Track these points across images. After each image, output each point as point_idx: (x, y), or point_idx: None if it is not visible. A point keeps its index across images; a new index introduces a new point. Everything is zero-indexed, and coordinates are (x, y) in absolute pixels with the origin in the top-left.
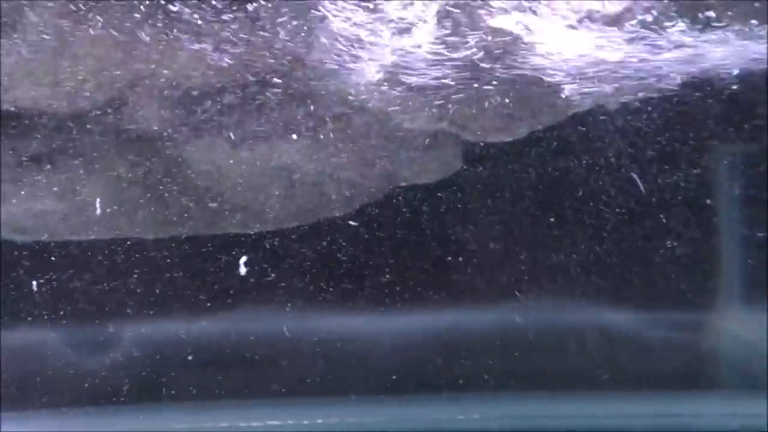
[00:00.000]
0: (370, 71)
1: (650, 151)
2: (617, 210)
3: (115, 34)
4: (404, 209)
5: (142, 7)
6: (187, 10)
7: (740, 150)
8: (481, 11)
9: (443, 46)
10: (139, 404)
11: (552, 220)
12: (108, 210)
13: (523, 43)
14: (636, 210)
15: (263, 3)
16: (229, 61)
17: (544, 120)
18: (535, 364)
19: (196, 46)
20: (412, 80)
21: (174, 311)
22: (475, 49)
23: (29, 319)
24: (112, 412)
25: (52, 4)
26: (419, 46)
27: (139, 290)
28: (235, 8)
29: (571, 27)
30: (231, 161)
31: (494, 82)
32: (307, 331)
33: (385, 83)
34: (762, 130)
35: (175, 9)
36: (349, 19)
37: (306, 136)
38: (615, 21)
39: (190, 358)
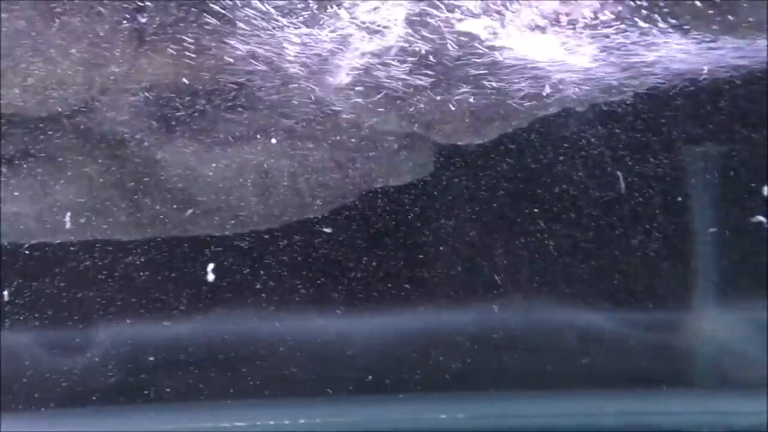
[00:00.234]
0: (340, 74)
1: (620, 153)
2: (588, 211)
3: (87, 36)
4: (379, 210)
5: (114, 9)
6: (159, 13)
7: (711, 151)
8: (450, 15)
9: (412, 49)
10: (121, 405)
11: (525, 221)
12: (81, 212)
13: (492, 46)
14: (607, 211)
15: (236, 6)
16: (201, 65)
17: (514, 123)
18: (513, 363)
19: (169, 49)
20: (382, 83)
21: (151, 313)
22: (444, 53)
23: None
24: (111, 413)
25: (23, 6)
26: (388, 50)
27: (114, 293)
28: (207, 11)
29: (540, 31)
30: (205, 164)
31: (463, 86)
32: (284, 332)
33: (355, 86)
34: (733, 131)
35: (147, 12)
36: (320, 24)
37: (279, 139)
38: (584, 25)
39: (173, 359)
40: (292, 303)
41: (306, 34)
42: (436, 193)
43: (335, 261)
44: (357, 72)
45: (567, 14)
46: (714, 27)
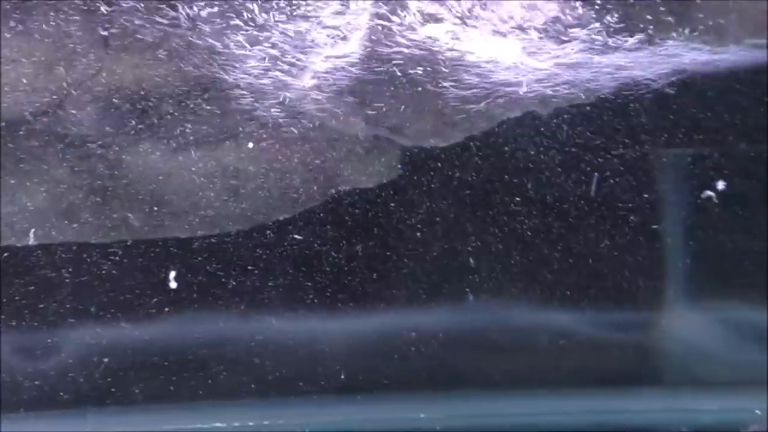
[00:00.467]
0: (304, 78)
1: (586, 154)
2: (555, 212)
3: (53, 39)
4: (346, 212)
5: (80, 13)
6: (124, 16)
7: (673, 153)
8: (413, 19)
9: (376, 53)
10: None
11: (493, 222)
12: (48, 216)
13: (455, 50)
14: (574, 212)
15: (200, 11)
16: (166, 68)
17: (479, 126)
18: (486, 363)
19: (135, 53)
20: (346, 86)
21: (122, 315)
22: (407, 57)
23: None
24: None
25: None
26: (352, 53)
27: (84, 295)
28: (172, 16)
29: (503, 35)
30: (173, 167)
31: (427, 89)
32: (258, 333)
33: (319, 89)
34: (695, 133)
35: (112, 15)
36: (285, 26)
37: (245, 141)
38: (546, 29)
39: (147, 361)
40: (264, 304)
41: (271, 38)
42: (403, 194)
43: (305, 262)
44: (322, 75)
45: (529, 19)
46: (673, 33)
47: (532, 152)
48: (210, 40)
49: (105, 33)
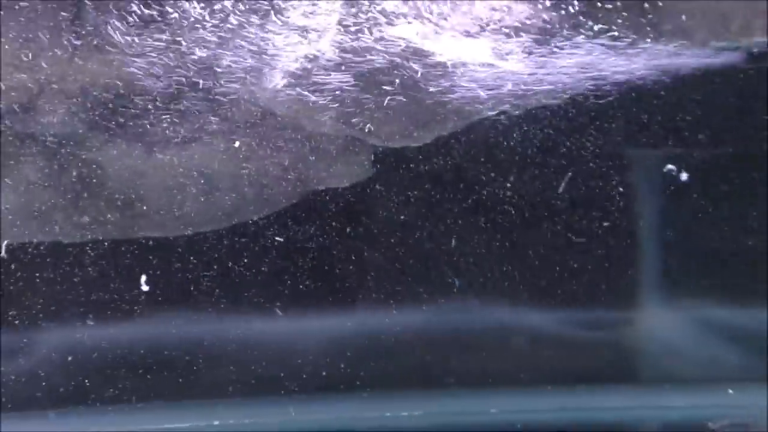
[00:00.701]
0: (275, 78)
1: (556, 154)
2: (527, 212)
3: (23, 39)
4: (319, 212)
5: (53, 12)
6: (98, 16)
7: (645, 153)
8: (383, 20)
9: (346, 53)
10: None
11: (465, 222)
12: (19, 215)
13: (424, 51)
14: (545, 212)
15: (172, 11)
16: (138, 68)
17: (449, 126)
18: (459, 362)
19: (108, 53)
20: (316, 86)
21: (95, 314)
22: (376, 57)
23: None
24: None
25: None
26: (322, 53)
27: (59, 295)
28: (143, 16)
29: (472, 36)
30: (146, 166)
31: (396, 89)
32: (234, 333)
33: (290, 89)
34: (665, 134)
35: (83, 15)
36: (256, 27)
37: (218, 141)
38: (515, 31)
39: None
40: (241, 303)
41: (243, 38)
42: (377, 194)
43: (281, 261)
44: (292, 76)
45: (498, 20)
46: (640, 34)
47: (504, 152)
48: (182, 40)
49: (76, 32)
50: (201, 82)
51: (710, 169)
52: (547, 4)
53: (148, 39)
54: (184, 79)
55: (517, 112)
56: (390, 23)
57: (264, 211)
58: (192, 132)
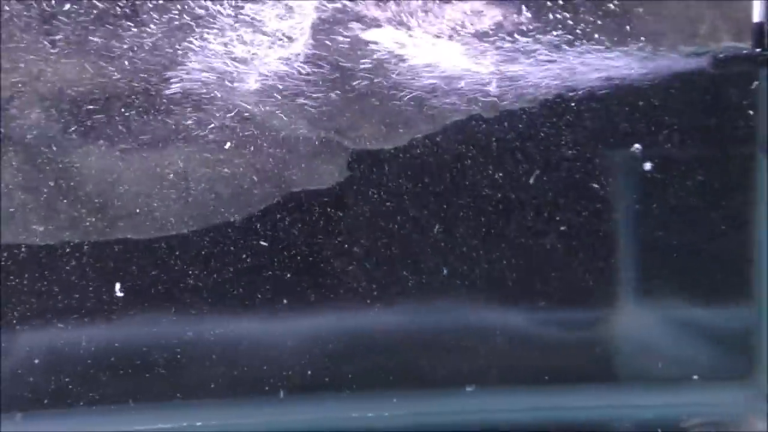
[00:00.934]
0: (249, 80)
1: (528, 156)
2: (501, 212)
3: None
4: (299, 212)
5: (25, 14)
6: (71, 19)
7: (617, 154)
8: (355, 24)
9: (319, 57)
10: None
11: (441, 222)
12: None
13: (397, 55)
14: (521, 213)
15: (149, 14)
16: (113, 70)
17: (423, 129)
18: (431, 362)
19: (81, 55)
20: (290, 89)
21: (68, 316)
22: (350, 60)
23: None
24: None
25: None
26: (296, 57)
27: (32, 296)
28: (118, 18)
29: (445, 41)
30: (121, 168)
31: (370, 92)
32: (204, 334)
33: (265, 93)
34: (638, 135)
35: (57, 16)
36: (230, 31)
37: (193, 144)
38: (488, 34)
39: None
40: (220, 304)
41: (217, 40)
42: (352, 195)
43: (257, 262)
44: (267, 79)
45: (471, 24)
46: (610, 37)
47: (478, 153)
48: (157, 43)
49: (51, 35)
50: (176, 84)
51: (684, 171)
52: (520, 8)
53: (124, 41)
54: (159, 82)
55: (490, 115)
56: (364, 27)
57: (242, 212)
58: (168, 134)
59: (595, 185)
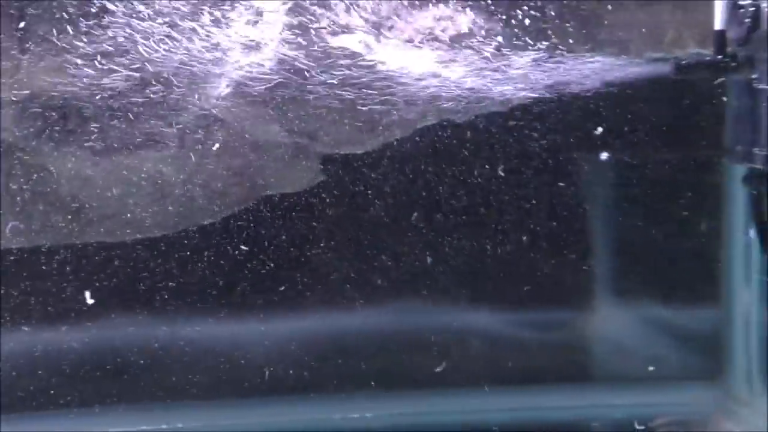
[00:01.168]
0: (220, 85)
1: (500, 159)
2: (474, 215)
3: None
4: (274, 216)
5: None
6: (45, 21)
7: (587, 157)
8: (325, 30)
9: (289, 62)
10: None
11: (415, 225)
12: None
13: (369, 60)
14: (493, 215)
15: (120, 18)
16: (86, 72)
17: (395, 133)
18: (410, 363)
19: (56, 57)
20: (260, 95)
21: (39, 320)
22: (321, 66)
23: None
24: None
25: None
26: (266, 62)
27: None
28: (92, 22)
29: (415, 46)
30: (95, 171)
31: (342, 97)
32: (183, 337)
33: (235, 97)
34: (607, 141)
35: (30, 18)
36: (201, 34)
37: (166, 147)
38: (459, 40)
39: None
40: (198, 306)
41: (189, 44)
42: (326, 199)
43: (231, 266)
44: (237, 84)
45: (442, 30)
46: (577, 44)
47: (449, 157)
48: (129, 47)
49: (22, 37)
50: (148, 88)
51: (653, 175)
52: (491, 15)
53: (96, 44)
54: (131, 85)
55: (460, 120)
56: (334, 33)
57: (215, 216)
58: (140, 138)
59: (565, 188)
